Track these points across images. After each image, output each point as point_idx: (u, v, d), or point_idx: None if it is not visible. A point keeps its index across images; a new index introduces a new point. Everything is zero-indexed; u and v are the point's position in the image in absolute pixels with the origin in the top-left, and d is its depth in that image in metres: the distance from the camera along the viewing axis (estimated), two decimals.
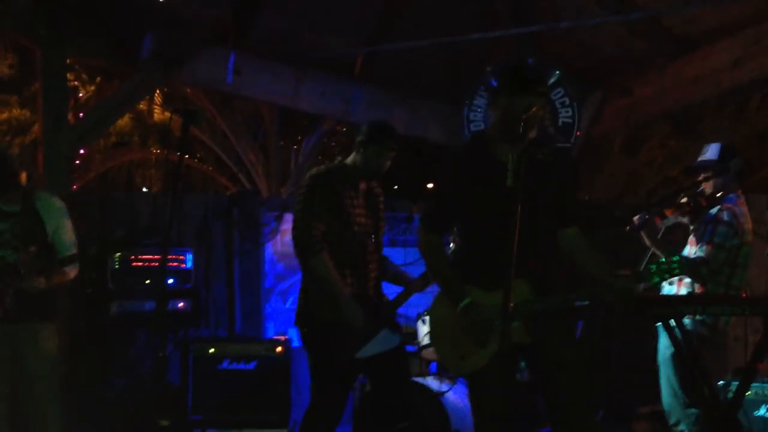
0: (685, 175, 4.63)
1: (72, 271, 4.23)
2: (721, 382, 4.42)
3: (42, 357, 4.13)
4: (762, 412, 4.51)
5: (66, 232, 4.25)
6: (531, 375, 3.83)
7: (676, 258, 3.11)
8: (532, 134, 3.01)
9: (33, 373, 4.10)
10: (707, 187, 4.25)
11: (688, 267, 4.14)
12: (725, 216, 4.14)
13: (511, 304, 2.80)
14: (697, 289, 4.17)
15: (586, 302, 3.19)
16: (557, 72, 6.28)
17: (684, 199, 4.22)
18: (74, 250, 4.22)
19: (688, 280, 4.21)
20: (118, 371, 5.63)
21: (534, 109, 3.04)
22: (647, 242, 4.20)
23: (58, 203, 4.30)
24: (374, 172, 4.04)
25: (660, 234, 4.26)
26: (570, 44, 6.45)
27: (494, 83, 3.25)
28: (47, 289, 4.06)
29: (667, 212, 4.18)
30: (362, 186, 4.06)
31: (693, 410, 4.11)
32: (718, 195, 4.18)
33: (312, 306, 3.97)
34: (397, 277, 4.29)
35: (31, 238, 4.08)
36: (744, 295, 4.25)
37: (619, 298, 3.11)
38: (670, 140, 10.26)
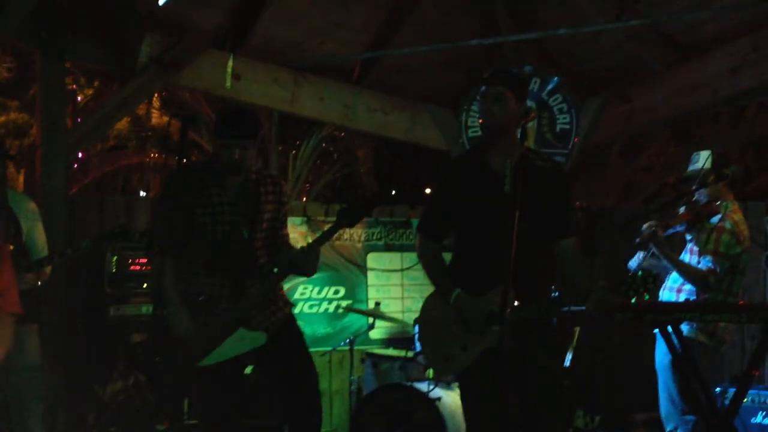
0: (680, 185, 4.67)
1: (41, 275, 4.18)
2: (718, 388, 4.42)
3: (25, 360, 4.09)
4: (759, 419, 4.51)
5: (40, 235, 4.22)
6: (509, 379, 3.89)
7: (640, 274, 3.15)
8: (527, 141, 3.12)
9: (15, 375, 4.06)
10: (701, 196, 4.26)
11: (696, 277, 4.15)
12: (727, 225, 4.15)
13: (494, 309, 2.85)
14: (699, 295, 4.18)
15: (582, 308, 3.22)
16: (556, 79, 6.29)
17: (683, 209, 4.24)
18: (46, 253, 4.19)
19: (688, 287, 4.21)
20: (115, 375, 5.61)
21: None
22: (657, 252, 4.20)
23: (32, 204, 4.27)
24: (232, 166, 3.66)
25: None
26: (569, 51, 6.46)
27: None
28: (26, 291, 3.99)
29: (671, 222, 4.21)
30: (233, 179, 3.71)
31: (690, 417, 4.11)
32: (717, 203, 4.20)
33: (157, 312, 3.72)
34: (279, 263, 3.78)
35: (7, 237, 4.03)
36: (741, 302, 4.26)
37: (595, 308, 3.14)
38: (669, 147, 10.25)
